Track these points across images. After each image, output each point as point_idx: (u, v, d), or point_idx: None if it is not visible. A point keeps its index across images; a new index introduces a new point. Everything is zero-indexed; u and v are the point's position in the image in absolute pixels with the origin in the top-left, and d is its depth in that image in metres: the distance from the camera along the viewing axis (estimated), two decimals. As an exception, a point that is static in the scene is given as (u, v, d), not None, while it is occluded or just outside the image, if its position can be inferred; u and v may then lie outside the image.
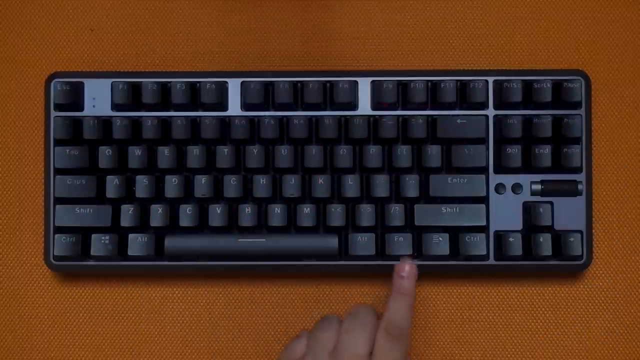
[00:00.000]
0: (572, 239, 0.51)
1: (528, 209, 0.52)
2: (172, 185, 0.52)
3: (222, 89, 0.52)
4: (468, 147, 0.52)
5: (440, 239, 0.51)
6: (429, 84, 0.52)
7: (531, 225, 0.52)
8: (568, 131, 0.52)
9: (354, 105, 0.52)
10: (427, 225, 0.52)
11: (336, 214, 0.52)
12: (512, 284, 0.55)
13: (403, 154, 0.52)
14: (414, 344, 0.54)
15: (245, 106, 0.53)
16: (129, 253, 0.52)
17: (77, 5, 0.56)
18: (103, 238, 0.52)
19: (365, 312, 0.47)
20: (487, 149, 0.52)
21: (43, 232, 0.54)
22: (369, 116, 0.52)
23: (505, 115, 0.52)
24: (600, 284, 0.55)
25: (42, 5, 0.56)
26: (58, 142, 0.52)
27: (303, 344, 0.48)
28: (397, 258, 0.51)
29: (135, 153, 0.52)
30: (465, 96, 0.52)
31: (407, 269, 0.48)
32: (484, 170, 0.52)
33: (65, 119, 0.52)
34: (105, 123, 0.52)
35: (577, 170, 0.52)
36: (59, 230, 0.52)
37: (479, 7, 0.56)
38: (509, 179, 0.52)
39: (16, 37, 0.56)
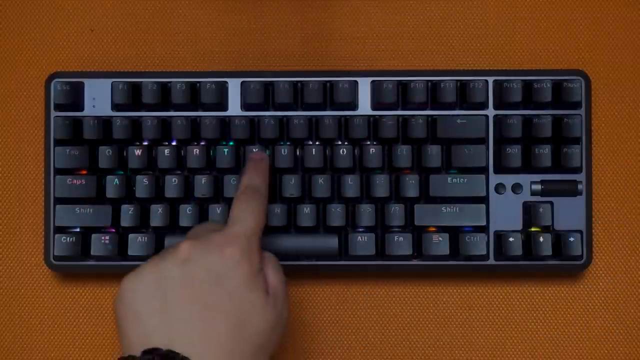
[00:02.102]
0: (572, 239, 0.51)
1: (528, 209, 0.52)
2: (172, 185, 0.52)
3: (222, 89, 0.52)
4: (468, 147, 0.52)
5: (440, 239, 0.51)
6: (429, 84, 0.52)
7: (531, 225, 0.52)
8: (568, 131, 0.52)
9: (354, 105, 0.52)
10: (427, 225, 0.52)
11: (336, 214, 0.52)
12: (512, 284, 0.55)
13: (403, 154, 0.52)
14: (414, 344, 0.54)
15: (245, 106, 0.53)
16: (129, 253, 0.52)
17: (77, 5, 0.56)
18: (103, 238, 0.52)
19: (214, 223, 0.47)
20: (487, 149, 0.52)
21: (43, 232, 0.54)
22: (369, 116, 0.52)
23: (505, 115, 0.52)
24: (600, 284, 0.55)
25: (42, 5, 0.56)
26: (58, 142, 0.52)
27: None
28: (397, 258, 0.52)
29: (135, 153, 0.52)
30: (465, 96, 0.52)
31: (260, 154, 0.50)
32: (484, 170, 0.52)
33: (65, 119, 0.52)
34: (105, 123, 0.52)
35: (577, 170, 0.52)
36: (59, 230, 0.52)
37: (479, 7, 0.56)
38: (509, 179, 0.52)
39: (16, 37, 0.56)
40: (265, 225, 0.51)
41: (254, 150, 0.52)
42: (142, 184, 0.52)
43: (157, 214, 0.52)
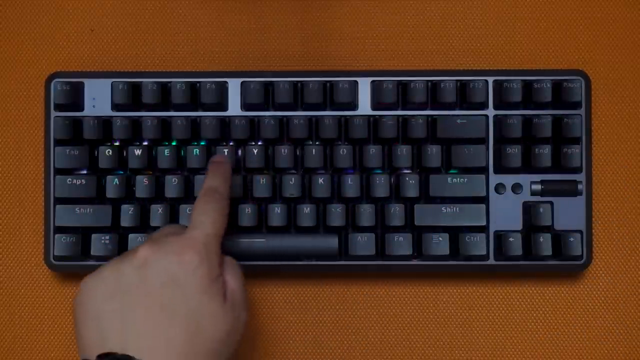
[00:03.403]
0: (572, 239, 0.51)
1: (528, 209, 0.52)
2: (172, 185, 0.52)
3: (222, 89, 0.52)
4: (468, 147, 0.52)
5: (440, 239, 0.51)
6: (429, 84, 0.52)
7: (531, 225, 0.52)
8: (568, 131, 0.52)
9: (354, 105, 0.52)
10: (427, 225, 0.52)
11: (336, 214, 0.52)
12: (512, 284, 0.55)
13: (403, 154, 0.52)
14: (414, 344, 0.54)
15: (245, 106, 0.53)
16: (129, 253, 0.52)
17: (77, 5, 0.56)
18: (103, 238, 0.52)
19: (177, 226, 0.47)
20: (487, 149, 0.52)
21: (43, 232, 0.54)
22: (369, 116, 0.52)
23: (505, 115, 0.52)
24: (600, 284, 0.55)
25: (42, 5, 0.56)
26: (58, 142, 0.52)
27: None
28: (397, 258, 0.52)
29: (135, 153, 0.52)
30: (465, 96, 0.52)
31: (221, 157, 0.50)
32: (484, 170, 0.52)
33: (65, 119, 0.52)
34: (105, 123, 0.52)
35: (577, 170, 0.52)
36: (59, 230, 0.52)
37: (479, 7, 0.56)
38: (509, 179, 0.52)
39: (16, 37, 0.56)
40: (265, 226, 0.52)
41: (225, 151, 0.52)
42: (142, 184, 0.52)
43: (157, 214, 0.52)
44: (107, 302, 0.40)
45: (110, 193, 0.52)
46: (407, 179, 0.52)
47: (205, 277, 0.41)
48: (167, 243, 0.42)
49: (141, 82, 0.52)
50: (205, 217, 0.43)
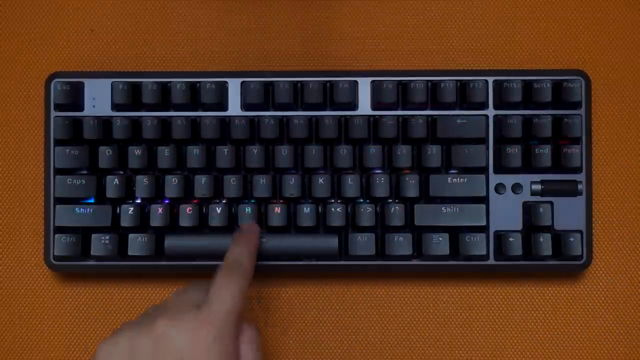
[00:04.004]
0: (572, 239, 0.51)
1: (528, 209, 0.52)
2: (172, 185, 0.52)
3: (222, 89, 0.52)
4: (468, 147, 0.52)
5: (440, 239, 0.51)
6: (429, 84, 0.52)
7: (531, 225, 0.52)
8: (568, 131, 0.52)
9: (354, 105, 0.52)
10: (427, 225, 0.52)
11: (336, 214, 0.52)
12: (512, 284, 0.55)
13: (403, 154, 0.52)
14: (414, 344, 0.54)
15: (245, 106, 0.53)
16: (129, 253, 0.52)
17: (77, 5, 0.56)
18: (103, 238, 0.52)
19: (198, 284, 0.47)
20: (487, 149, 0.52)
21: (43, 232, 0.54)
22: (369, 116, 0.52)
23: (505, 115, 0.52)
24: (600, 284, 0.55)
25: (42, 5, 0.56)
26: (58, 142, 0.52)
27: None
28: (397, 258, 0.52)
29: (135, 153, 0.52)
30: (465, 96, 0.52)
31: (249, 226, 0.50)
32: (484, 170, 0.52)
33: (65, 119, 0.52)
34: (105, 123, 0.52)
35: (577, 170, 0.52)
36: (59, 230, 0.52)
37: (479, 7, 0.56)
38: (509, 179, 0.52)
39: (16, 37, 0.56)
40: (265, 226, 0.52)
41: (246, 212, 0.51)
42: (142, 184, 0.52)
43: (157, 214, 0.52)
44: None
45: (110, 193, 0.52)
46: (407, 179, 0.52)
47: (218, 354, 0.41)
48: (185, 317, 0.42)
49: (141, 82, 0.52)
50: (225, 293, 0.43)
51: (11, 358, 0.54)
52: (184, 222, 0.52)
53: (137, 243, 0.52)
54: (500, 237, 0.52)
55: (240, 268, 0.45)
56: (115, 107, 0.53)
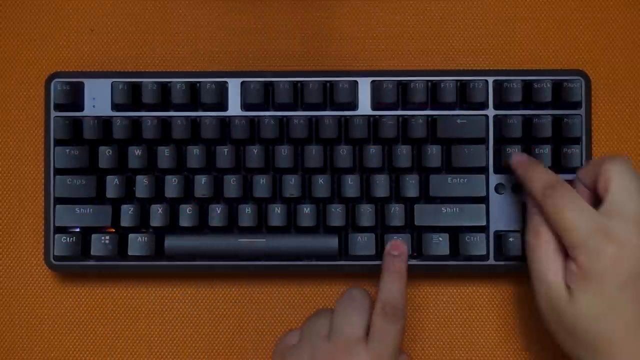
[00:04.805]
0: (572, 239, 0.51)
1: (528, 209, 0.52)
2: (172, 185, 0.52)
3: (222, 89, 0.53)
4: (468, 147, 0.52)
5: (440, 239, 0.51)
6: (429, 84, 0.52)
7: (531, 225, 0.52)
8: (568, 131, 0.52)
9: (354, 105, 0.52)
10: (427, 225, 0.52)
11: (336, 214, 0.52)
12: (512, 284, 0.55)
13: (403, 154, 0.52)
14: (414, 344, 0.54)
15: (245, 106, 0.53)
16: (129, 253, 0.52)
17: (77, 5, 0.56)
18: (103, 238, 0.52)
19: (360, 295, 0.48)
20: (487, 149, 0.52)
21: (43, 232, 0.54)
22: (369, 116, 0.52)
23: (505, 115, 0.52)
24: (600, 284, 0.54)
25: (42, 5, 0.56)
26: (58, 142, 0.52)
27: (297, 335, 0.48)
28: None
29: (135, 153, 0.52)
30: (465, 96, 0.52)
31: (399, 247, 0.50)
32: (484, 170, 0.52)
33: (65, 119, 0.52)
34: (105, 123, 0.52)
35: (577, 170, 0.52)
36: (59, 230, 0.52)
37: (479, 7, 0.56)
38: (509, 179, 0.52)
39: (16, 37, 0.56)
40: (265, 226, 0.52)
41: (394, 237, 0.51)
42: (142, 184, 0.52)
43: (157, 214, 0.52)
44: None
45: (110, 193, 0.52)
46: (407, 179, 0.52)
47: None
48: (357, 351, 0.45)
49: (141, 82, 0.52)
50: (387, 340, 0.45)
51: (11, 358, 0.55)
52: (184, 222, 0.52)
53: (137, 243, 0.52)
54: (500, 237, 0.52)
55: (397, 310, 0.47)
56: (115, 107, 0.53)
